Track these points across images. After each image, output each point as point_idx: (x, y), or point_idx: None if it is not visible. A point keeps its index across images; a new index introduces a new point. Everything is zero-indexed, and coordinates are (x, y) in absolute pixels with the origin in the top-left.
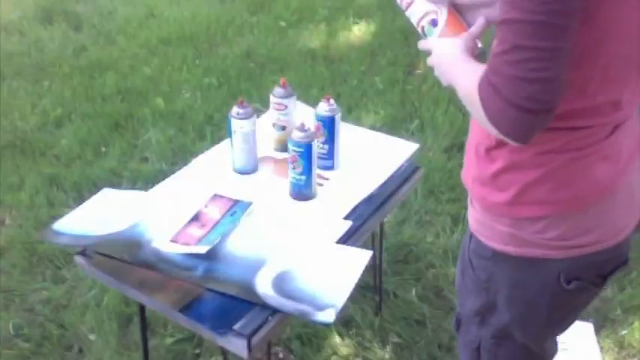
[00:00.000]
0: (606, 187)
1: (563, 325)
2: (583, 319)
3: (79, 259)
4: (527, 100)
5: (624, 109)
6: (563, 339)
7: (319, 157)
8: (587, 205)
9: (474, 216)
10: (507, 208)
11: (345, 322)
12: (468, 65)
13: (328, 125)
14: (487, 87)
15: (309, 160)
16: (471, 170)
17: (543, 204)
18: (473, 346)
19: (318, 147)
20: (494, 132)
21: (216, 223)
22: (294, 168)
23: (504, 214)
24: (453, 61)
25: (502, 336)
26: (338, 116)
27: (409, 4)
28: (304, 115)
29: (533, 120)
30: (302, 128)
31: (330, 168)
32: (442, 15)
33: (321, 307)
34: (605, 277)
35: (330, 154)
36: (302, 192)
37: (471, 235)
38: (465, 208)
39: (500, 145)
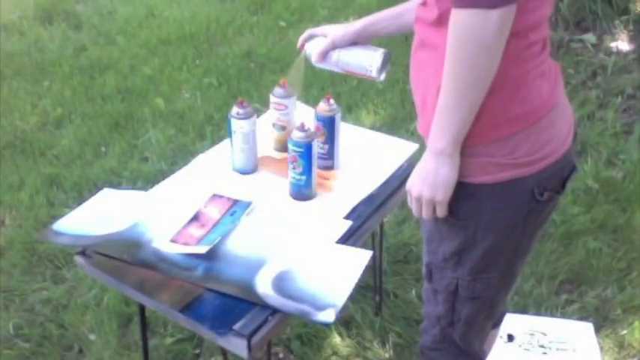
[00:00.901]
0: (550, 100)
1: (532, 243)
2: (583, 318)
3: (79, 259)
4: None
5: (547, 27)
6: (564, 339)
7: (319, 157)
8: (541, 118)
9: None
10: (478, 136)
11: (345, 322)
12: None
13: (328, 125)
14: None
15: (309, 160)
16: (427, 117)
17: (509, 122)
18: (449, 289)
19: (318, 147)
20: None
21: (216, 223)
22: (294, 168)
23: (476, 144)
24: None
25: (479, 270)
26: (338, 116)
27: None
28: (304, 115)
29: None
30: (302, 128)
31: (330, 168)
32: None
33: (321, 307)
34: (564, 183)
35: (330, 154)
36: (302, 192)
37: None
38: None
39: None
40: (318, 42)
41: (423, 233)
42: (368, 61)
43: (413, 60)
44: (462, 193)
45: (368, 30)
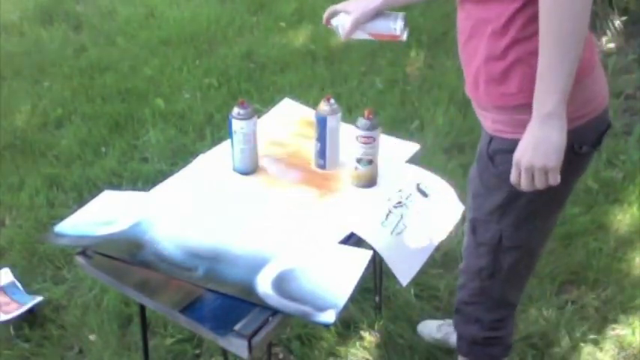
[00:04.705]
0: (591, 61)
1: (569, 193)
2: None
3: (79, 259)
4: None
5: None
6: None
7: (315, 155)
8: (587, 76)
9: (491, 119)
10: (527, 96)
11: (345, 322)
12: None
13: (321, 124)
14: None
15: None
16: (481, 79)
17: None
18: (494, 241)
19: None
20: None
21: None
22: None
23: (525, 104)
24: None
25: (522, 220)
26: (333, 117)
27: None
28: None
29: None
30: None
31: (323, 167)
32: None
33: (321, 308)
34: (600, 138)
35: (322, 153)
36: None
37: (491, 138)
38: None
39: (507, 48)
40: (344, 18)
41: (469, 190)
42: (392, 24)
43: (464, 36)
44: (510, 148)
45: (386, 5)
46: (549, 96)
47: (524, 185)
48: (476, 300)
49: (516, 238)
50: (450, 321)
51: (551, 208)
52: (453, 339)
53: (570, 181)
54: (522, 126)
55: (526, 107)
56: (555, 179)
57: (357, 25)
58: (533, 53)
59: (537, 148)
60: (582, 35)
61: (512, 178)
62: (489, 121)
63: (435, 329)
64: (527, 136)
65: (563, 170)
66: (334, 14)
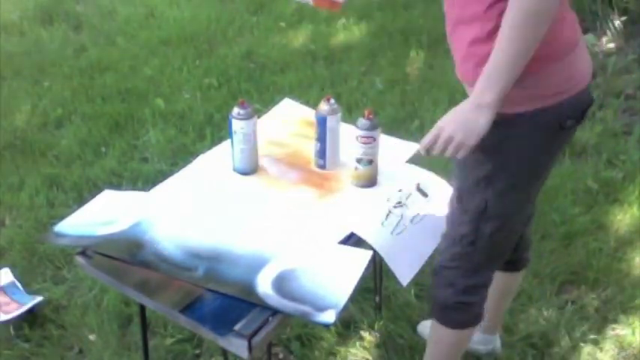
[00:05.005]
0: (573, 38)
1: (552, 165)
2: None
3: (79, 259)
4: None
5: None
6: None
7: (315, 155)
8: (568, 53)
9: None
10: None
11: (345, 322)
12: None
13: (320, 124)
14: None
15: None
16: (470, 61)
17: (540, 59)
18: (479, 209)
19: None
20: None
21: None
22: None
23: None
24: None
25: (507, 190)
26: (333, 117)
27: None
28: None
29: None
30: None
31: (323, 167)
32: None
33: (321, 308)
34: (582, 114)
35: (322, 153)
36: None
37: None
38: None
39: (491, 31)
40: None
41: (455, 160)
42: None
43: (451, 22)
44: (496, 123)
45: None
46: (491, 90)
47: (435, 150)
48: (455, 265)
49: (500, 207)
50: None
51: (535, 179)
52: None
53: (554, 154)
54: (508, 101)
55: (518, 81)
56: (464, 154)
57: None
58: None
59: (464, 125)
60: (534, 47)
61: (426, 140)
62: None
63: None
64: (457, 111)
65: (548, 143)
66: None
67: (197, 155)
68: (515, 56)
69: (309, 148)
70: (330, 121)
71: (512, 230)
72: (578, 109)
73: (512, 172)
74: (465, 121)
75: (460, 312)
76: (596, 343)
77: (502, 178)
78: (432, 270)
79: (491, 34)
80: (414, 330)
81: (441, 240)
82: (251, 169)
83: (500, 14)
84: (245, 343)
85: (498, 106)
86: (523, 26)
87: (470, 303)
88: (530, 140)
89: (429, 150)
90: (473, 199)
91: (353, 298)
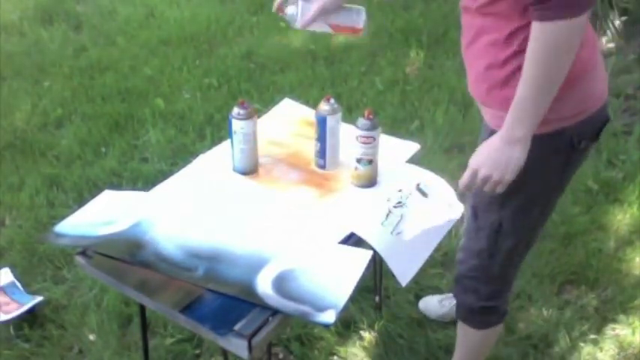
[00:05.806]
0: (590, 61)
1: (567, 184)
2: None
3: (79, 259)
4: None
5: None
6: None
7: (315, 155)
8: (584, 78)
9: (492, 114)
10: None
11: (345, 322)
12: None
13: (320, 124)
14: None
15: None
16: (483, 83)
17: (564, 82)
18: (493, 227)
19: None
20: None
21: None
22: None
23: None
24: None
25: (522, 209)
26: (333, 117)
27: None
28: (304, 115)
29: None
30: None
31: (323, 167)
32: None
33: (321, 308)
34: (598, 133)
35: (322, 153)
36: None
37: (492, 131)
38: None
39: (508, 58)
40: (304, 6)
41: None
42: (355, 17)
43: (467, 39)
44: None
45: None
46: (521, 125)
47: (473, 190)
48: (474, 275)
49: (515, 225)
50: (450, 295)
51: (549, 199)
52: None
53: (568, 174)
54: None
55: None
56: (503, 189)
57: (323, 13)
58: None
59: (499, 162)
60: (562, 79)
61: (464, 180)
62: (491, 116)
63: (438, 305)
64: (489, 149)
65: (562, 164)
66: (287, 2)
67: (197, 155)
68: (542, 90)
69: (309, 148)
70: (330, 121)
71: (528, 245)
72: (592, 130)
73: (526, 193)
74: (498, 158)
75: (486, 315)
76: (595, 343)
77: (516, 198)
78: (436, 273)
79: (508, 61)
80: (414, 330)
81: (459, 251)
82: (251, 169)
83: (520, 43)
84: (245, 343)
85: (530, 137)
86: (547, 62)
87: (494, 306)
88: (546, 161)
89: (468, 188)
90: (488, 218)
91: (353, 298)
